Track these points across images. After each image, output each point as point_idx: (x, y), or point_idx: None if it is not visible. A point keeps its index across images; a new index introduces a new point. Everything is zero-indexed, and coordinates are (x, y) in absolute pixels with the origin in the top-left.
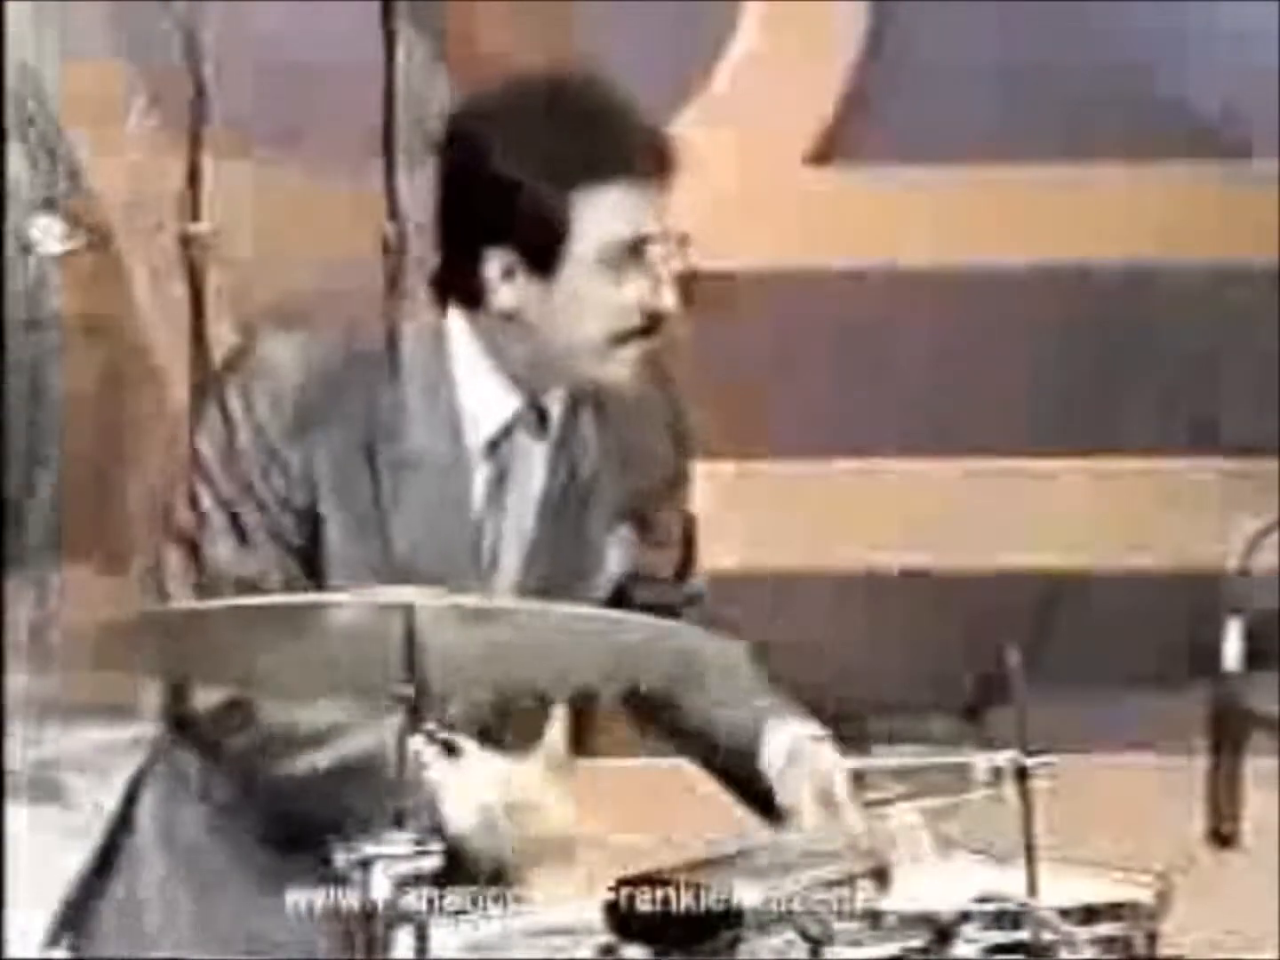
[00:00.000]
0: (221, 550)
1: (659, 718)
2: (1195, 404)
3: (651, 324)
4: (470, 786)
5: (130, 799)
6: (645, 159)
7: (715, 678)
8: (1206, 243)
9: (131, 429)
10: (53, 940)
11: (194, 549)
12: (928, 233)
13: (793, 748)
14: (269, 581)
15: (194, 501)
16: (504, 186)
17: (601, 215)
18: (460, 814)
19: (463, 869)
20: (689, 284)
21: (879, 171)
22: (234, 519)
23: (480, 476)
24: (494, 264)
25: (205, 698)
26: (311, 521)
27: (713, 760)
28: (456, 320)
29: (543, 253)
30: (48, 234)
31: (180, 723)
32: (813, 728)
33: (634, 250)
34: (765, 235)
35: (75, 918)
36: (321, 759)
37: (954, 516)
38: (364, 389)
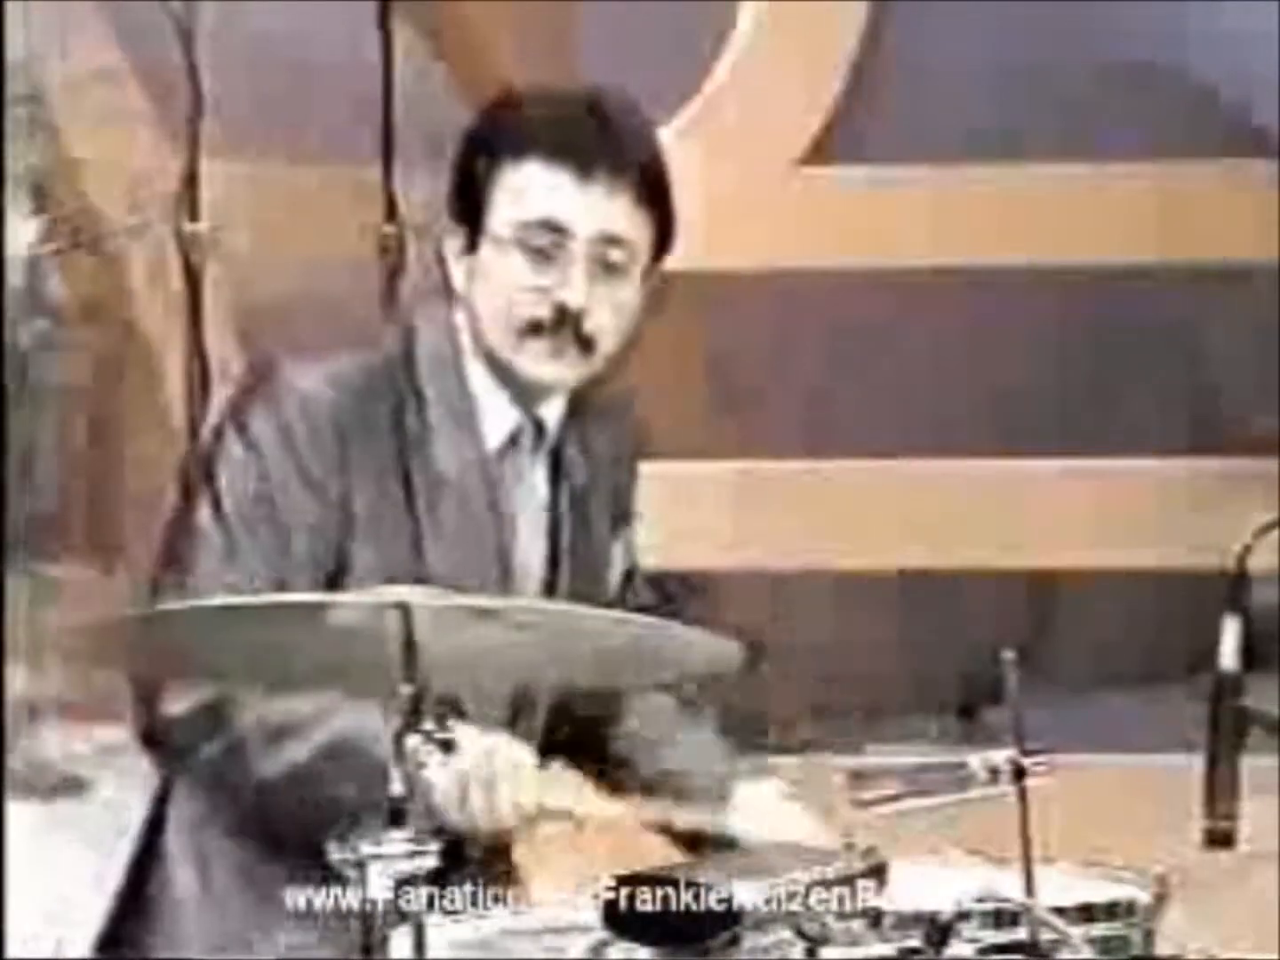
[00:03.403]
0: (223, 579)
1: (608, 774)
2: (1194, 404)
3: (560, 317)
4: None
5: (157, 816)
6: (577, 143)
7: (668, 720)
8: (1206, 243)
9: (128, 426)
10: None
11: (194, 574)
12: (926, 233)
13: (769, 810)
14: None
15: (195, 526)
16: (458, 161)
17: (515, 190)
18: (446, 785)
19: (455, 853)
20: (656, 289)
21: (877, 171)
22: (245, 547)
23: (495, 489)
24: (450, 243)
25: (175, 705)
26: (336, 548)
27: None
28: (463, 325)
29: (470, 227)
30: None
31: (149, 734)
32: (781, 786)
33: (548, 236)
34: (763, 235)
35: (112, 939)
36: (300, 750)
37: (953, 516)
38: (391, 408)
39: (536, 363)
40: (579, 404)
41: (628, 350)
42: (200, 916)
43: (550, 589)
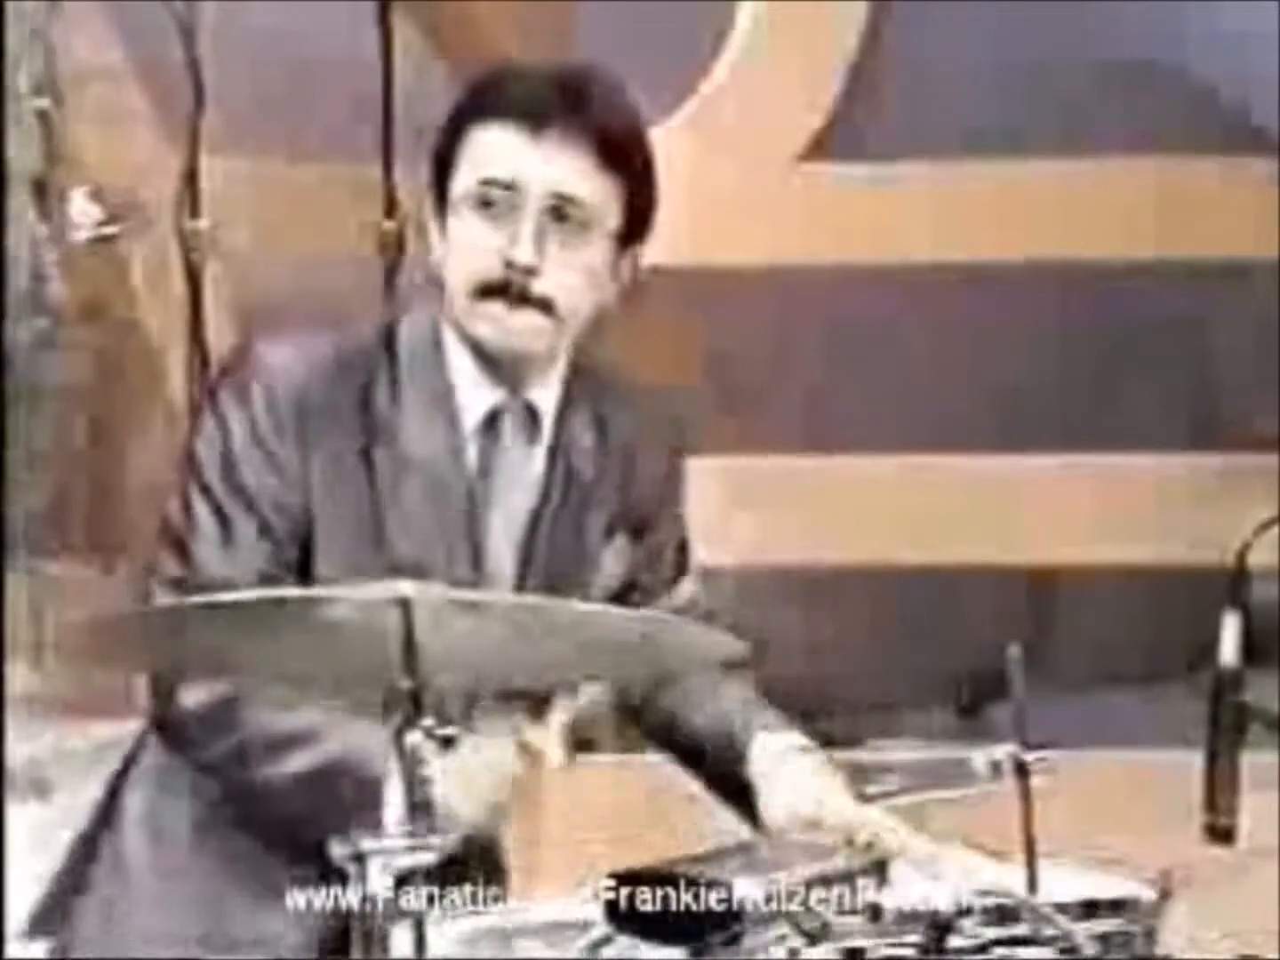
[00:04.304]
0: (210, 553)
1: (642, 718)
2: (1195, 400)
3: (508, 278)
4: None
5: (113, 793)
6: (534, 104)
7: (705, 675)
8: (1206, 240)
9: (128, 426)
10: (31, 934)
11: (184, 551)
12: (926, 229)
13: (780, 759)
14: (255, 585)
15: (186, 504)
16: (436, 140)
17: (480, 152)
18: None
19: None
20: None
21: (877, 168)
22: (224, 522)
23: (469, 473)
24: (432, 223)
25: (191, 698)
26: (304, 524)
27: (696, 761)
28: (446, 310)
29: (439, 195)
30: (85, 216)
31: (164, 725)
32: (800, 739)
33: (500, 193)
34: (763, 232)
35: (55, 914)
36: (300, 762)
37: (953, 513)
38: (361, 388)
39: (492, 326)
40: (595, 391)
41: (603, 323)
42: (152, 881)
43: (520, 584)
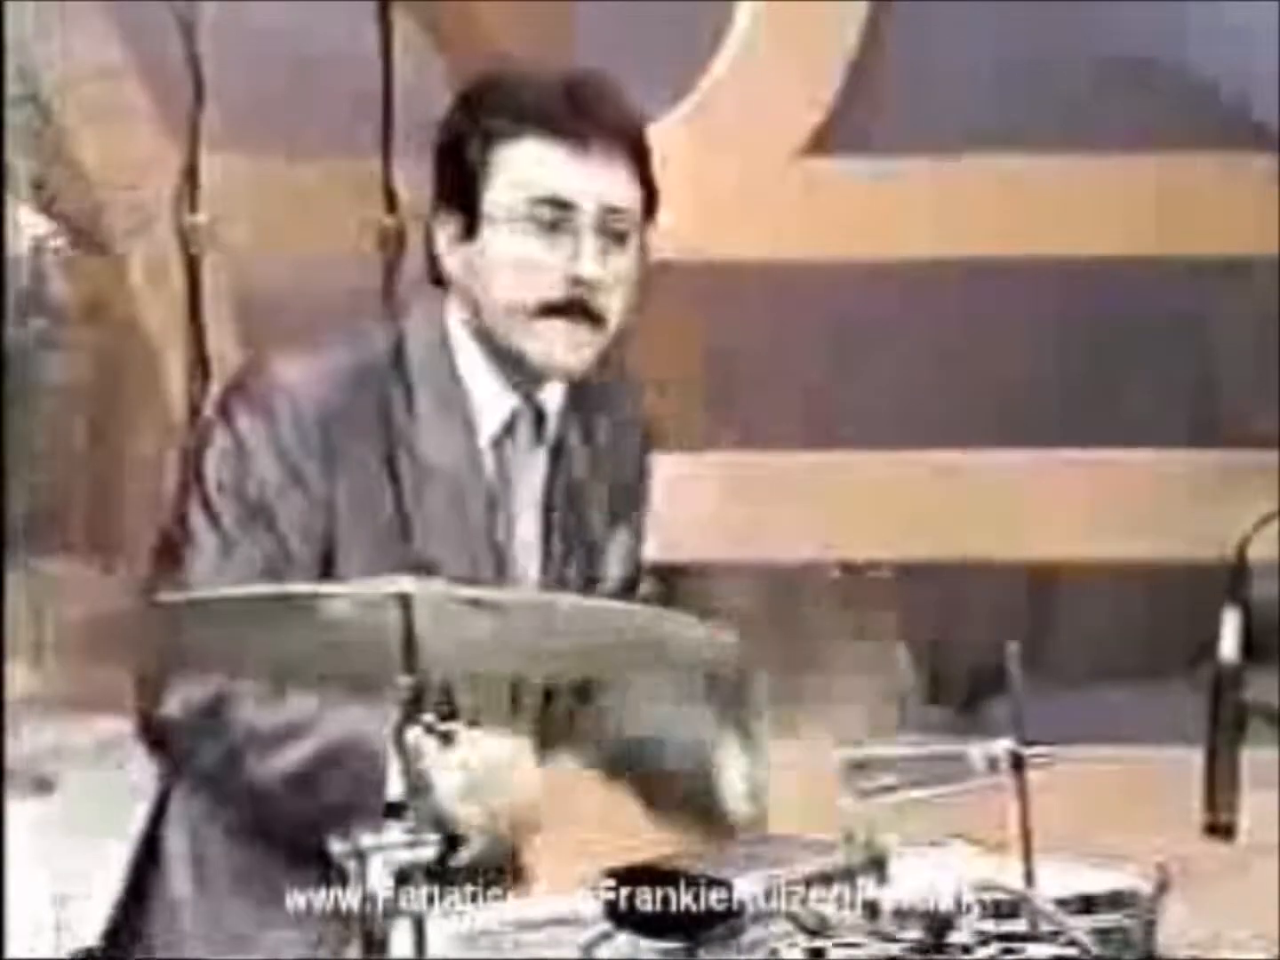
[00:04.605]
0: (214, 570)
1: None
2: (1194, 397)
3: (573, 295)
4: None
5: (155, 821)
6: (575, 119)
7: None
8: (1206, 236)
9: (128, 425)
10: None
11: (189, 569)
12: (926, 225)
13: (751, 778)
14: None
15: (194, 522)
16: (445, 148)
17: (516, 167)
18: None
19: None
20: (650, 275)
21: (878, 163)
22: (234, 541)
23: (489, 479)
24: (442, 233)
25: (175, 704)
26: (323, 541)
27: (661, 785)
28: (455, 316)
29: (467, 209)
30: (32, 229)
31: (150, 736)
32: (763, 756)
33: (554, 212)
34: (763, 227)
35: (114, 947)
36: (298, 755)
37: (952, 508)
38: (379, 399)
39: (549, 344)
40: (581, 391)
41: (627, 333)
42: (197, 917)
43: (544, 585)
